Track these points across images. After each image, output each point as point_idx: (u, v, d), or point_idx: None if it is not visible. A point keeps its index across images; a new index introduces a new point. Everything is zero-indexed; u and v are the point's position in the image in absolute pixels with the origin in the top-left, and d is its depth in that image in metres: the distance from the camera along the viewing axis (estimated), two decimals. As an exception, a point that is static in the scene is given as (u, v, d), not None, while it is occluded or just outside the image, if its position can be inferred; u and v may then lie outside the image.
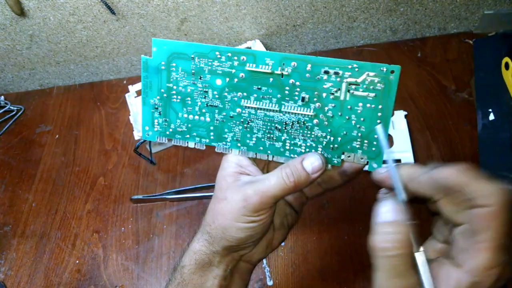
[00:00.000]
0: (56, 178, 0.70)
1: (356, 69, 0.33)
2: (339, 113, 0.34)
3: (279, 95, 0.35)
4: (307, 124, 0.35)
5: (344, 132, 0.34)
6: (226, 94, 0.36)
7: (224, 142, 0.37)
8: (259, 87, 0.35)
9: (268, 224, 0.35)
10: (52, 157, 0.73)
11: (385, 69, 0.33)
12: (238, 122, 0.36)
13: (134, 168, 0.69)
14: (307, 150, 0.36)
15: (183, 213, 0.63)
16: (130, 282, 0.58)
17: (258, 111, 0.35)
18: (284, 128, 0.35)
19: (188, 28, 0.73)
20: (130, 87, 0.70)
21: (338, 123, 0.34)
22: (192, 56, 0.35)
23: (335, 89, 0.34)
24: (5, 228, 0.66)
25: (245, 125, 0.36)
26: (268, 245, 0.39)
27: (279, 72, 0.34)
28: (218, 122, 0.37)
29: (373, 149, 0.35)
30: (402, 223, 0.27)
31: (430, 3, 0.69)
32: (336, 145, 0.35)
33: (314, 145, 0.35)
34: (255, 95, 0.35)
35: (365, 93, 0.33)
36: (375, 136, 0.34)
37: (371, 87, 0.33)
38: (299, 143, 0.36)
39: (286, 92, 0.34)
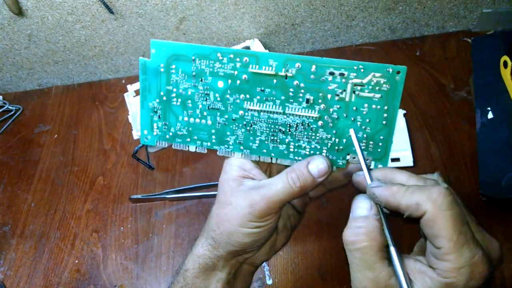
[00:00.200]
0: (55, 178, 0.70)
1: (362, 70, 0.33)
2: (344, 115, 0.34)
3: (283, 97, 0.34)
4: (311, 126, 0.34)
5: (349, 135, 0.34)
6: (228, 96, 0.35)
7: (226, 145, 0.37)
8: (262, 89, 0.34)
9: (273, 228, 0.35)
10: (51, 157, 0.73)
11: (391, 70, 0.32)
12: (240, 125, 0.36)
13: (133, 167, 0.69)
14: (312, 152, 0.35)
15: (182, 213, 0.63)
16: (129, 281, 0.58)
17: (261, 113, 0.35)
18: (288, 130, 0.35)
19: (187, 27, 0.73)
20: (128, 86, 0.70)
21: (343, 125, 0.34)
22: (193, 58, 0.34)
23: (340, 90, 0.33)
24: (4, 228, 0.66)
25: (248, 128, 0.36)
26: (272, 247, 0.39)
27: (283, 73, 0.33)
28: (220, 125, 0.36)
29: (379, 150, 0.34)
30: (371, 217, 0.28)
31: (428, 1, 0.69)
32: (341, 147, 0.35)
33: (318, 147, 0.35)
34: (258, 97, 0.34)
35: (371, 94, 0.33)
36: (344, 140, 0.34)
37: (377, 88, 0.33)
38: (303, 145, 0.35)
39: (290, 93, 0.34)
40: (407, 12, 0.71)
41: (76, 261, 0.61)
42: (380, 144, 0.34)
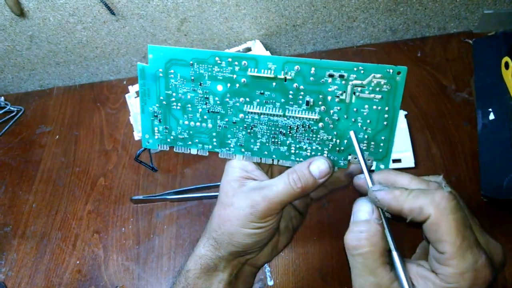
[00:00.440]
0: (57, 179, 0.71)
1: (362, 71, 0.32)
2: (345, 116, 0.34)
3: (282, 100, 0.34)
4: (312, 128, 0.34)
5: (349, 136, 0.34)
6: (227, 100, 0.35)
7: (227, 148, 0.37)
8: (262, 92, 0.34)
9: (275, 229, 0.35)
10: (52, 158, 0.73)
11: (391, 71, 0.32)
12: (241, 128, 0.36)
13: (134, 168, 0.69)
14: (313, 153, 0.35)
15: (183, 213, 0.63)
16: (130, 282, 0.58)
17: (262, 116, 0.35)
18: (288, 132, 0.35)
19: (188, 28, 0.73)
20: (130, 87, 0.70)
21: (344, 126, 0.34)
22: (191, 62, 0.34)
23: (340, 92, 0.33)
24: (5, 229, 0.66)
25: (249, 131, 0.36)
26: (274, 248, 0.39)
27: (282, 76, 0.33)
28: (220, 128, 0.36)
29: (380, 150, 0.34)
30: (373, 222, 0.28)
31: (429, 2, 0.69)
32: (342, 148, 0.35)
33: (320, 148, 0.35)
34: (258, 100, 0.34)
35: (371, 95, 0.33)
36: (345, 141, 0.34)
37: (377, 89, 0.33)
38: (304, 146, 0.35)
39: (290, 96, 0.34)
40: (408, 13, 0.71)
41: (77, 262, 0.61)
42: (381, 144, 0.34)
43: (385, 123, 0.34)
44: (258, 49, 0.73)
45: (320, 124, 0.34)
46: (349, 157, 0.35)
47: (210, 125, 0.36)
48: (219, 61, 0.34)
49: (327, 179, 0.34)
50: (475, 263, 0.25)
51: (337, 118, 0.34)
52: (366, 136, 0.34)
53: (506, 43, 0.64)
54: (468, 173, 0.59)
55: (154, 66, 0.35)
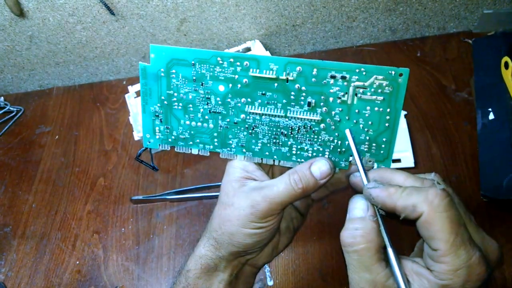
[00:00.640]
0: (56, 179, 0.70)
1: (364, 73, 0.32)
2: (347, 117, 0.34)
3: (284, 100, 0.34)
4: (313, 129, 0.34)
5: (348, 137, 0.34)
6: (229, 100, 0.35)
7: (228, 148, 0.37)
8: (264, 92, 0.34)
9: (275, 230, 0.35)
10: (52, 158, 0.73)
11: (393, 73, 0.32)
12: (242, 128, 0.36)
13: (134, 168, 0.69)
14: (314, 154, 0.35)
15: (183, 214, 0.63)
16: (130, 282, 0.58)
17: (263, 116, 0.35)
18: (290, 133, 0.35)
19: (188, 28, 0.73)
20: (129, 87, 0.70)
21: (345, 127, 0.34)
22: (193, 62, 0.34)
23: (342, 93, 0.33)
24: (5, 229, 0.66)
25: (250, 131, 0.36)
26: (274, 249, 0.39)
27: (284, 77, 0.33)
28: (222, 128, 0.36)
29: (381, 152, 0.34)
30: (368, 219, 0.28)
31: (429, 2, 0.69)
32: (343, 149, 0.35)
33: (321, 149, 0.35)
34: (259, 100, 0.34)
35: (373, 97, 0.33)
36: (346, 142, 0.34)
37: (379, 90, 0.33)
38: (306, 147, 0.35)
39: (292, 97, 0.34)
40: (408, 13, 0.71)
41: (77, 262, 0.61)
42: (383, 146, 0.34)
43: (386, 124, 0.34)
44: (257, 49, 0.73)
45: (322, 125, 0.34)
46: (350, 158, 0.35)
47: (211, 125, 0.36)
48: (220, 61, 0.34)
49: (328, 180, 0.34)
50: (469, 260, 0.25)
51: (338, 119, 0.34)
52: (367, 138, 0.34)
53: (505, 43, 0.64)
54: (468, 173, 0.59)
55: (156, 65, 0.35)
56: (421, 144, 0.62)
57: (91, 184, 0.69)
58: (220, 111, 0.35)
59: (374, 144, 0.34)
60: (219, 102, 0.35)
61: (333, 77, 0.33)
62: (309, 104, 0.34)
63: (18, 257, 0.63)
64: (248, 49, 0.74)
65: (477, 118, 0.62)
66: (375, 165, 0.35)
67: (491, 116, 0.60)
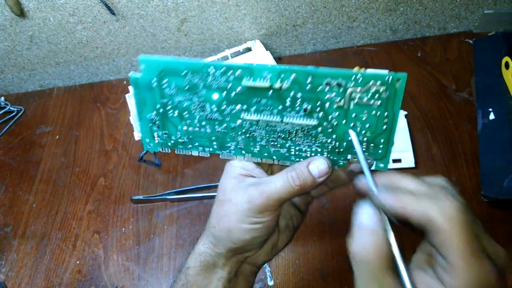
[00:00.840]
0: (57, 179, 0.70)
1: (360, 79, 0.32)
2: (344, 121, 0.33)
3: (280, 107, 0.34)
4: (311, 132, 0.34)
5: (350, 138, 0.34)
6: (224, 107, 0.35)
7: (228, 151, 0.37)
8: (259, 100, 0.34)
9: (273, 226, 0.35)
10: (52, 158, 0.73)
11: (390, 78, 0.31)
12: (240, 133, 0.35)
13: (134, 168, 0.69)
14: (313, 154, 0.35)
15: (183, 214, 0.63)
16: (130, 282, 0.58)
17: (260, 122, 0.34)
18: (287, 136, 0.35)
19: (188, 28, 0.73)
20: (130, 87, 0.70)
21: (343, 130, 0.34)
22: (184, 72, 0.33)
23: (338, 99, 0.33)
24: (5, 229, 0.66)
25: (248, 135, 0.35)
26: (273, 247, 0.39)
27: (277, 86, 0.33)
28: (219, 133, 0.36)
29: (379, 151, 0.34)
30: (378, 228, 0.27)
31: (430, 2, 0.69)
32: (341, 150, 0.35)
33: (319, 150, 0.35)
34: (254, 107, 0.34)
35: (371, 101, 0.32)
36: (349, 138, 0.34)
37: (376, 95, 0.32)
38: (304, 148, 0.35)
39: (287, 103, 0.33)
40: (409, 13, 0.71)
41: (78, 262, 0.61)
42: (381, 146, 0.34)
43: (384, 127, 0.33)
44: (258, 49, 0.73)
45: (319, 129, 0.34)
46: (349, 157, 0.35)
47: (208, 130, 0.36)
48: (213, 71, 0.33)
49: (326, 178, 0.33)
50: (483, 274, 0.24)
51: (335, 123, 0.34)
52: (365, 139, 0.34)
53: (506, 43, 0.64)
54: (468, 173, 0.59)
55: (147, 76, 0.34)
56: (422, 144, 0.62)
57: (91, 184, 0.69)
58: (216, 117, 0.35)
59: (372, 145, 0.34)
60: (215, 109, 0.35)
61: (328, 84, 0.32)
62: (305, 110, 0.33)
63: (18, 257, 0.63)
64: (249, 49, 0.74)
65: (478, 118, 0.62)
66: (374, 163, 0.35)
67: (492, 116, 0.60)
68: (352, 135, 0.33)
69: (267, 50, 0.72)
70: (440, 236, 0.25)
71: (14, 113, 0.81)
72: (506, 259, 0.27)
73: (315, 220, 0.59)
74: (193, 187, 0.64)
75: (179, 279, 0.37)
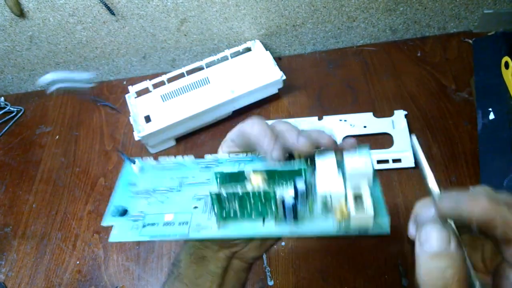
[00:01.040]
0: (57, 179, 0.71)
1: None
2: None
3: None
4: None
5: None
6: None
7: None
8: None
9: None
10: (52, 158, 0.73)
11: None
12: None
13: (134, 168, 0.69)
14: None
15: (183, 214, 0.63)
16: (130, 282, 0.58)
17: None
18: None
19: (188, 28, 0.73)
20: (130, 87, 0.70)
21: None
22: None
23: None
24: (5, 229, 0.66)
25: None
26: (262, 244, 0.39)
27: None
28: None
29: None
30: (455, 252, 0.22)
31: (429, 2, 0.69)
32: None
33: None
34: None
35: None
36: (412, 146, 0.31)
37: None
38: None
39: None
40: (408, 13, 0.71)
41: (78, 262, 0.61)
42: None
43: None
44: (257, 49, 0.73)
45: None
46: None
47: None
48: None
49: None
50: None
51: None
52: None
53: (506, 43, 0.64)
54: (468, 173, 0.59)
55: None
56: (422, 144, 0.62)
57: (91, 184, 0.69)
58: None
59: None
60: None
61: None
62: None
63: (18, 257, 0.63)
64: (248, 49, 0.74)
65: (478, 118, 0.62)
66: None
67: (492, 116, 0.60)
68: (414, 140, 0.31)
69: (266, 50, 0.72)
70: None
71: (14, 114, 0.81)
72: None
73: (315, 220, 0.59)
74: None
75: (172, 272, 0.37)
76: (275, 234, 0.30)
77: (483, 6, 0.70)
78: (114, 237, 0.33)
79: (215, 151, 0.37)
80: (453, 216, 0.24)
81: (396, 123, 0.64)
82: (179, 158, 0.36)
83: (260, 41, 0.74)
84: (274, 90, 0.71)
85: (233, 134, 0.34)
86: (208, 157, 0.35)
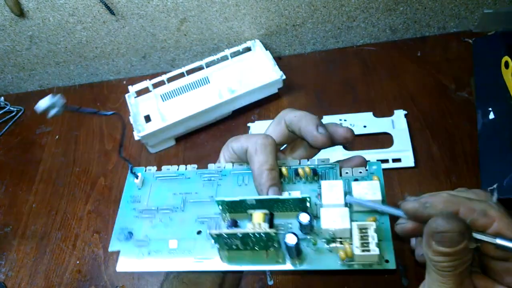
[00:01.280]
0: (57, 179, 0.71)
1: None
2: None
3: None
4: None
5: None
6: None
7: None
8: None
9: None
10: (52, 158, 0.73)
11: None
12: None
13: (134, 168, 0.69)
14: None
15: (183, 213, 0.63)
16: (130, 282, 0.58)
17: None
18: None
19: (188, 28, 0.73)
20: (130, 87, 0.70)
21: None
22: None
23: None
24: (5, 229, 0.66)
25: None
26: None
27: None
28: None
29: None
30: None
31: (429, 2, 0.69)
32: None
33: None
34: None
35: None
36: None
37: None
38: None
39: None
40: (408, 13, 0.71)
41: (77, 262, 0.61)
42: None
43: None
44: (257, 49, 0.73)
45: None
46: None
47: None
48: None
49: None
50: None
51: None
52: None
53: (505, 43, 0.64)
54: (468, 172, 0.59)
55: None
56: (422, 144, 0.62)
57: (91, 184, 0.69)
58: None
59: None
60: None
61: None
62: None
63: (18, 257, 0.63)
64: (248, 49, 0.74)
65: (478, 117, 0.62)
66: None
67: (492, 116, 0.60)
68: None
69: (266, 50, 0.72)
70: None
71: (13, 113, 0.81)
72: None
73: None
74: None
75: (171, 271, 0.37)
76: (279, 269, 0.29)
77: (483, 6, 0.70)
78: (122, 266, 0.32)
79: (215, 151, 0.37)
80: (417, 209, 0.26)
81: (396, 123, 0.64)
82: (182, 168, 0.35)
83: (260, 41, 0.74)
84: (274, 90, 0.71)
85: (236, 146, 0.33)
86: (212, 167, 0.34)
